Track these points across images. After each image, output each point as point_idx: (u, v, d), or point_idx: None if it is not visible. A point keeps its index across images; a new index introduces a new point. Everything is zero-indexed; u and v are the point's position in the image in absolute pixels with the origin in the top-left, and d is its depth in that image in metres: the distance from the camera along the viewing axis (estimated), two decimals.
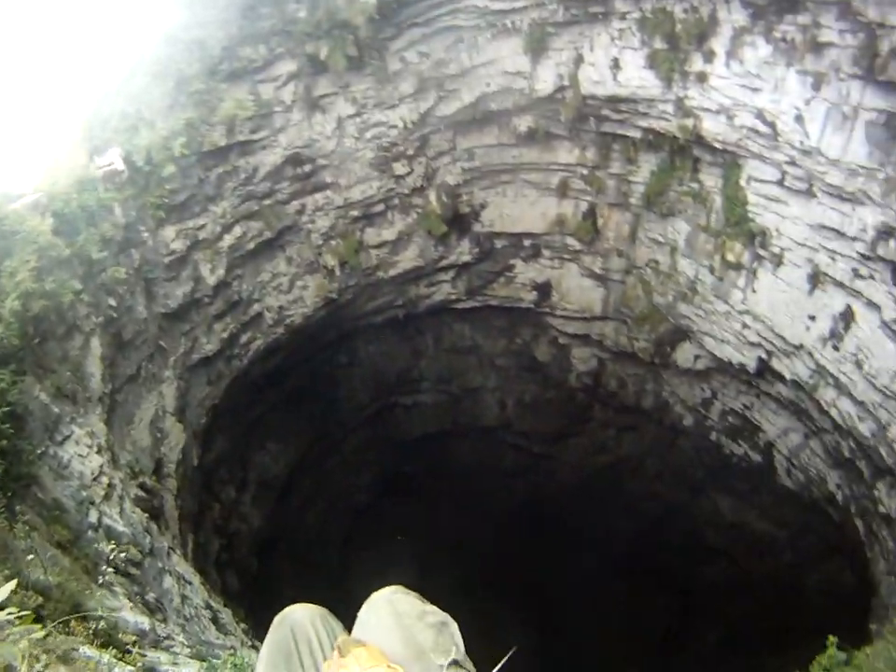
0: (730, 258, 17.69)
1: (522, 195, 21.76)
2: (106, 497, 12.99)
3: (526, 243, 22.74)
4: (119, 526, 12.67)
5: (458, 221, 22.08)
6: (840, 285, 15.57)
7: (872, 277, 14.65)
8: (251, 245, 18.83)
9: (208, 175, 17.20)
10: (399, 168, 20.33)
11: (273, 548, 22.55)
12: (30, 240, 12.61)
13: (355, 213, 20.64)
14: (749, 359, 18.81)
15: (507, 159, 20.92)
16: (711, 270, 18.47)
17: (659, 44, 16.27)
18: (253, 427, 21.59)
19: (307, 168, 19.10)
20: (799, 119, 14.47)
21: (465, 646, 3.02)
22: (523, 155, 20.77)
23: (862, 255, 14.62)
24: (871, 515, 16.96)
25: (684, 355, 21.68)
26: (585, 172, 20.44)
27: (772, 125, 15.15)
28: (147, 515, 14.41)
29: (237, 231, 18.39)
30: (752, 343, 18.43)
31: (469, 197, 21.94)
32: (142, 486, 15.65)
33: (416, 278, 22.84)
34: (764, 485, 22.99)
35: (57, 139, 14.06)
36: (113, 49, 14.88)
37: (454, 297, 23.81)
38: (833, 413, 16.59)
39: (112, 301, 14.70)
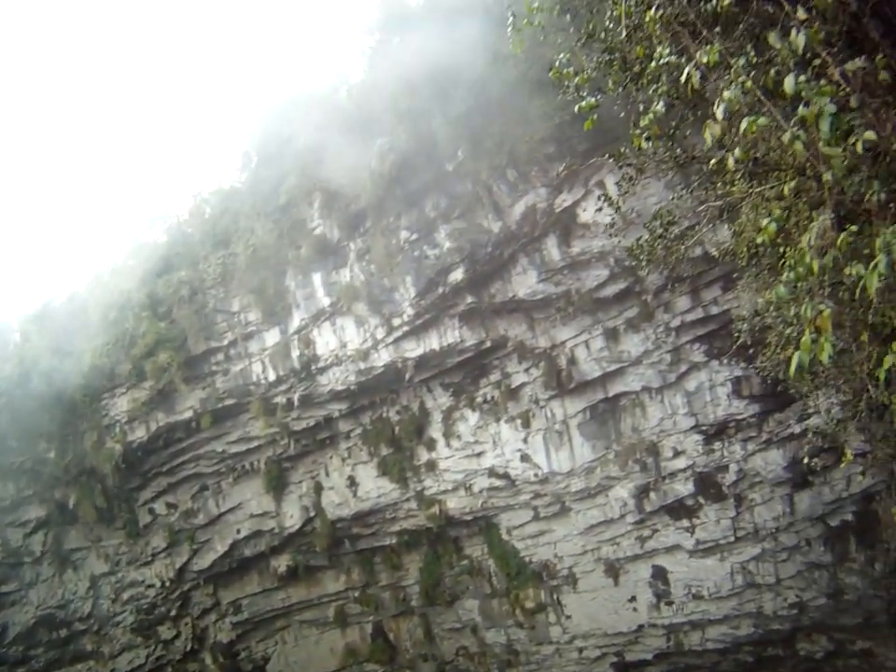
0: (529, 605, 18.12)
1: (302, 637, 21.14)
2: None
3: None
4: None
5: None
6: None
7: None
8: None
9: None
10: (165, 632, 19.46)
11: None
12: None
13: None
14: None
15: (275, 603, 20.79)
16: (520, 625, 18.52)
17: (385, 450, 18.64)
18: None
19: (63, 633, 17.71)
20: (525, 457, 16.84)
21: None
22: (290, 595, 20.80)
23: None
24: None
25: None
26: (357, 594, 20.69)
27: (506, 475, 17.31)
28: None
29: None
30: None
31: (248, 652, 20.85)
32: None
33: None
34: None
35: None
36: None
37: None
38: None
39: None
